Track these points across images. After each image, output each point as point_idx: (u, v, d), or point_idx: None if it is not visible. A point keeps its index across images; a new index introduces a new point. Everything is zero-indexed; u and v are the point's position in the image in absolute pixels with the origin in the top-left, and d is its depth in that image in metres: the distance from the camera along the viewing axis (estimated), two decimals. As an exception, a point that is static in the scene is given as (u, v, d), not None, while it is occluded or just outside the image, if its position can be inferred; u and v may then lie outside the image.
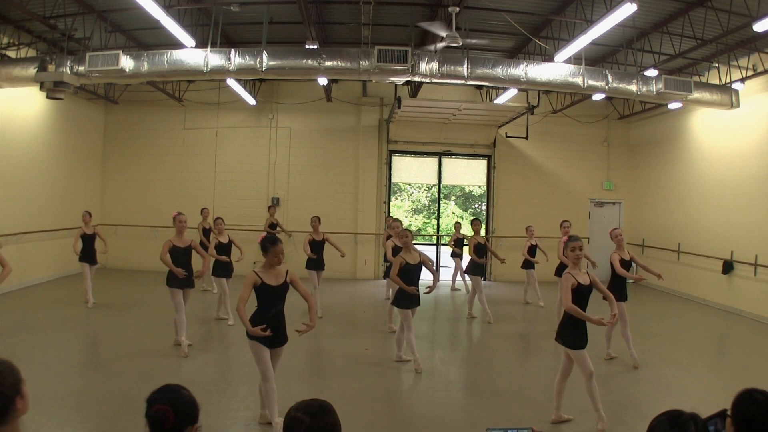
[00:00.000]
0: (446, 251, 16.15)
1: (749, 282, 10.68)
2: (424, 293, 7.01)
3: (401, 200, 18.82)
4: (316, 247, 9.73)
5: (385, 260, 11.41)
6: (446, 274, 14.75)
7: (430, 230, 17.12)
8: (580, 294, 5.05)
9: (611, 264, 7.28)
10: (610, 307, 5.28)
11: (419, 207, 19.44)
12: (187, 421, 1.95)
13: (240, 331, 8.02)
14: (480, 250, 9.88)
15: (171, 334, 7.56)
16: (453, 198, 20.89)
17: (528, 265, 11.05)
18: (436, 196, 16.05)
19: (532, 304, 11.30)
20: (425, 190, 18.33)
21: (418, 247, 7.40)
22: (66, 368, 6.41)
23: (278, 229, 12.65)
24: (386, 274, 10.25)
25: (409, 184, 17.20)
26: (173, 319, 7.36)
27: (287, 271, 4.85)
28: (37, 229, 11.55)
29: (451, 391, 6.40)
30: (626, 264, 7.34)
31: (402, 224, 8.95)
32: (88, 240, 9.84)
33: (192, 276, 7.42)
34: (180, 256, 7.20)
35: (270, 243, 4.76)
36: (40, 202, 11.76)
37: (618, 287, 7.19)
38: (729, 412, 1.91)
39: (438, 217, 16.11)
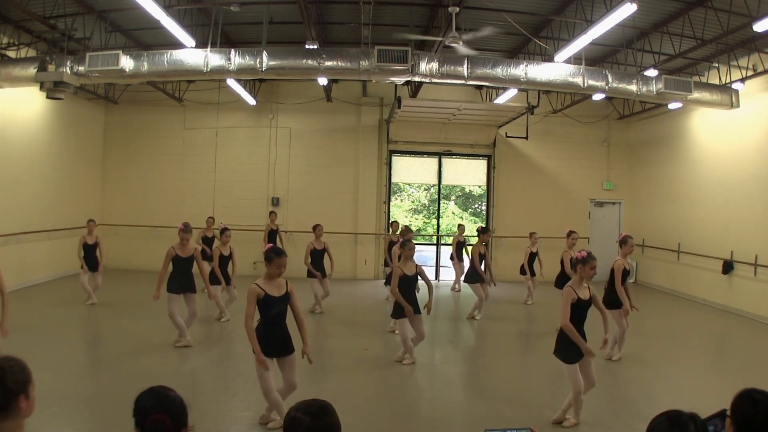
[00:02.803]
0: (446, 251, 16.15)
1: (749, 282, 10.68)
2: (424, 311, 6.99)
3: (401, 200, 18.80)
4: (317, 255, 9.74)
5: (386, 265, 11.40)
6: (447, 274, 14.76)
7: (430, 230, 17.11)
8: (579, 308, 5.08)
9: (612, 271, 7.20)
10: (604, 325, 5.32)
11: (419, 207, 19.42)
12: (182, 423, 1.89)
13: (241, 332, 8.02)
14: (480, 259, 9.91)
15: (171, 334, 7.57)
16: (453, 198, 20.89)
17: (528, 272, 11.00)
18: (436, 196, 16.04)
19: (534, 304, 11.30)
20: (425, 190, 18.32)
21: (419, 247, 7.43)
22: (66, 368, 6.42)
23: (278, 238, 12.15)
24: (387, 281, 10.18)
25: (409, 184, 17.18)
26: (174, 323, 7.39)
27: (287, 281, 4.88)
28: (37, 229, 11.55)
29: (450, 391, 6.40)
30: (625, 271, 7.30)
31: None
32: (90, 249, 9.88)
33: (192, 282, 7.50)
34: (181, 264, 7.36)
35: (275, 254, 4.77)
36: (40, 202, 11.76)
37: (615, 294, 7.17)
38: (728, 412, 1.91)
39: (438, 217, 16.09)
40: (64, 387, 5.68)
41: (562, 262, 9.20)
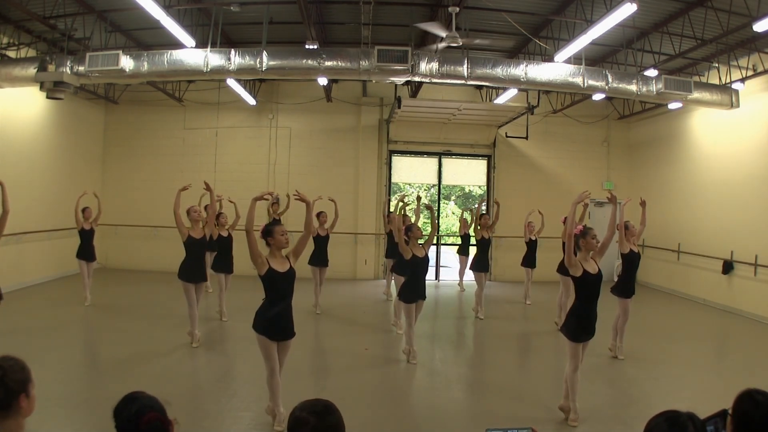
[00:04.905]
0: (446, 251, 16.16)
1: (749, 282, 10.68)
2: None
3: (401, 200, 18.84)
4: (320, 242, 9.79)
5: (387, 256, 11.40)
6: (450, 274, 14.76)
7: (430, 230, 17.11)
8: (589, 283, 5.05)
9: (623, 256, 7.25)
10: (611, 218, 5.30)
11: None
12: (167, 419, 1.90)
13: (241, 331, 8.04)
14: (483, 245, 10.07)
15: (170, 334, 7.61)
16: (453, 198, 20.90)
17: (528, 263, 11.03)
18: (436, 196, 16.04)
19: (531, 303, 11.30)
20: (425, 190, 18.33)
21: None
22: (65, 368, 6.41)
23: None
24: (393, 269, 10.29)
25: (409, 184, 17.19)
26: (187, 313, 7.44)
27: (287, 256, 4.92)
28: (37, 229, 11.54)
29: (451, 391, 6.40)
30: (635, 256, 7.31)
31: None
32: (87, 236, 9.80)
33: (204, 270, 7.54)
34: (194, 246, 7.31)
35: (272, 225, 4.91)
36: (40, 202, 11.74)
37: (626, 283, 7.24)
38: (730, 412, 1.91)
39: (438, 217, 16.08)
40: (63, 387, 5.67)
41: (563, 246, 9.26)
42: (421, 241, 7.12)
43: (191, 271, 7.28)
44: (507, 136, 14.57)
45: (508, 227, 14.83)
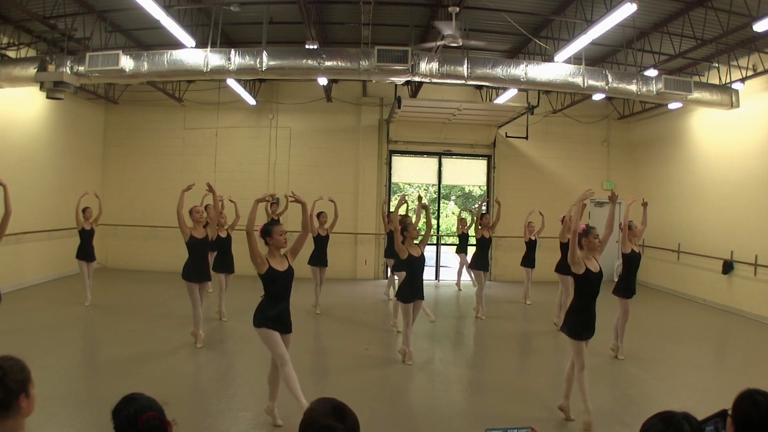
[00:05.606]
0: (446, 250, 16.16)
1: (749, 282, 10.68)
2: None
3: (401, 200, 18.84)
4: (320, 242, 9.80)
5: (386, 256, 11.42)
6: (450, 274, 14.76)
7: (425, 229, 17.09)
8: (588, 280, 5.06)
9: (624, 256, 7.31)
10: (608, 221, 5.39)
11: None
12: (166, 420, 1.89)
13: (241, 331, 8.05)
14: (484, 244, 10.09)
15: (170, 334, 7.61)
16: (453, 198, 20.91)
17: (528, 263, 11.03)
18: (436, 196, 16.05)
19: (531, 303, 11.30)
20: (424, 190, 18.33)
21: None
22: (65, 368, 6.41)
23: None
24: (395, 267, 10.31)
25: (409, 184, 17.19)
26: (192, 313, 7.45)
27: (285, 255, 4.96)
28: (37, 229, 11.54)
29: (451, 390, 6.40)
30: (636, 256, 7.32)
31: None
32: (87, 236, 9.79)
33: (208, 270, 7.56)
34: (197, 246, 7.33)
35: (272, 225, 4.95)
36: (40, 202, 11.74)
37: (627, 283, 7.25)
38: (730, 412, 1.91)
39: (438, 217, 16.09)
40: (62, 387, 5.67)
41: (561, 247, 9.27)
42: (416, 241, 7.14)
43: (195, 271, 7.31)
44: (507, 136, 14.57)
45: (507, 227, 14.83)
